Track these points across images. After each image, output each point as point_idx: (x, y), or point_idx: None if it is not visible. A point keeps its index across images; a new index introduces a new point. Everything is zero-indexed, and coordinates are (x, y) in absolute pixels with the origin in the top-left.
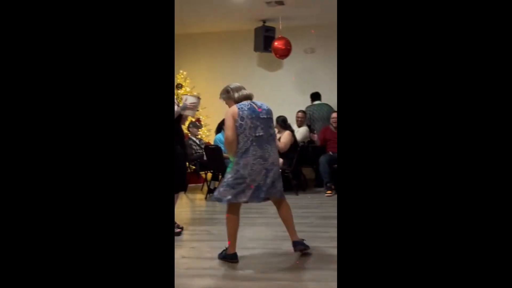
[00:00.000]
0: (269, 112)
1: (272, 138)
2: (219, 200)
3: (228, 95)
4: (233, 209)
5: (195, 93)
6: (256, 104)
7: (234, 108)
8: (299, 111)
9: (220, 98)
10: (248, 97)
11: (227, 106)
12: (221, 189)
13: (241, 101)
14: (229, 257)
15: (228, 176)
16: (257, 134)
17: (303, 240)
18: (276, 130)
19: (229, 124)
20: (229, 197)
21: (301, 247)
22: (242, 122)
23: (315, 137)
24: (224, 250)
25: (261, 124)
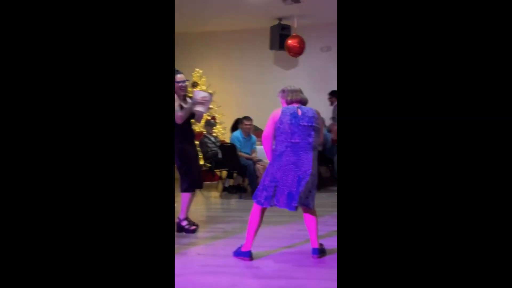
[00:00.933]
0: (312, 120)
1: (309, 146)
2: (254, 199)
3: (282, 94)
4: (259, 210)
5: (209, 91)
6: (301, 110)
7: (278, 111)
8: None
9: (277, 95)
10: (300, 102)
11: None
12: (258, 191)
13: (292, 103)
14: (243, 255)
15: (266, 179)
16: (292, 140)
17: (321, 245)
18: None
19: (267, 124)
20: (261, 200)
21: (316, 256)
22: (280, 126)
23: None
24: (239, 248)
25: (299, 131)
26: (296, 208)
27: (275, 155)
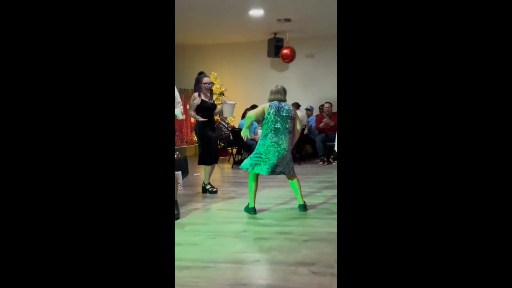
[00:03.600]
0: (289, 111)
1: (287, 131)
2: (242, 167)
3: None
4: (252, 176)
5: (230, 101)
6: (280, 105)
7: (267, 104)
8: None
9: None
10: (279, 100)
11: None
12: (245, 160)
13: (273, 100)
14: (249, 210)
15: (254, 153)
16: (275, 126)
17: (304, 202)
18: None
19: (257, 108)
20: (248, 166)
21: (302, 210)
22: (267, 116)
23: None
24: (247, 205)
25: (280, 120)
26: (279, 173)
27: (262, 136)
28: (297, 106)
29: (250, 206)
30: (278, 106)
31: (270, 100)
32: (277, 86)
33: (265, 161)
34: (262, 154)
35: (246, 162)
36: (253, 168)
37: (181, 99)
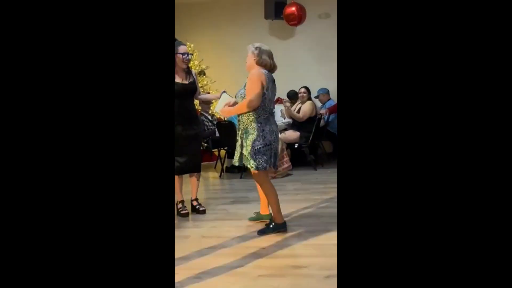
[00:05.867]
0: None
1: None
2: (258, 168)
3: (259, 53)
4: (265, 177)
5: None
6: (272, 77)
7: (262, 75)
8: (301, 88)
9: (248, 50)
10: (272, 68)
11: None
12: (255, 159)
13: (271, 70)
14: (280, 227)
15: (257, 144)
16: (272, 107)
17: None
18: (288, 105)
19: (257, 85)
20: (265, 165)
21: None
22: (266, 92)
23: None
24: (267, 225)
25: (274, 100)
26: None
27: (261, 119)
28: (307, 90)
29: (278, 221)
30: (274, 80)
31: (265, 66)
32: (263, 45)
33: (273, 152)
34: (272, 143)
35: (258, 160)
36: (269, 164)
37: None
